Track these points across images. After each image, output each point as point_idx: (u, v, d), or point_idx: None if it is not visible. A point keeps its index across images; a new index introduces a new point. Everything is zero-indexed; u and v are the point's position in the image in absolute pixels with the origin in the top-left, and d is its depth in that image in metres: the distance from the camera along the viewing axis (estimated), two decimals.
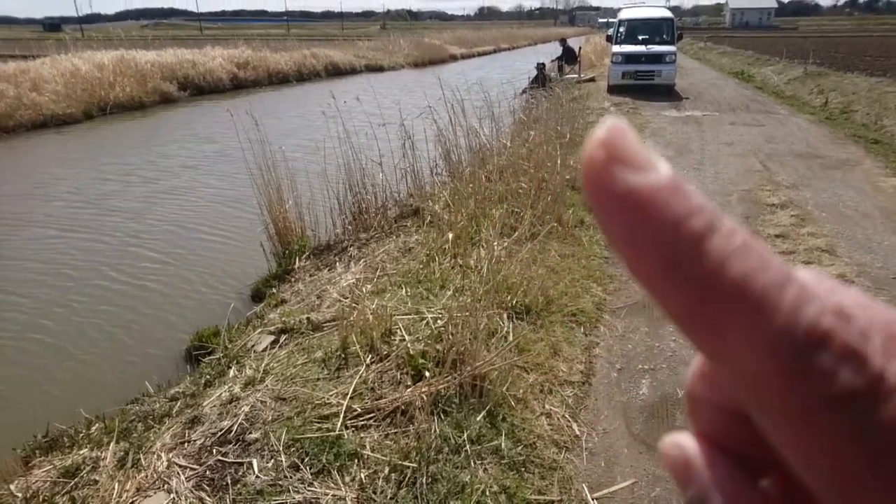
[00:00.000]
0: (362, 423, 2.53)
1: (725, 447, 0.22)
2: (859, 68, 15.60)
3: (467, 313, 3.07)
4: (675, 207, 0.19)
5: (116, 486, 2.50)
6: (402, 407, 2.53)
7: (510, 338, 3.05)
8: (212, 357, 3.71)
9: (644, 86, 13.88)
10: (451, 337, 2.92)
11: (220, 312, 4.98)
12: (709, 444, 0.23)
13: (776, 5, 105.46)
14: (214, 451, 2.57)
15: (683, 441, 0.23)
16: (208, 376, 3.42)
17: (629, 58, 14.05)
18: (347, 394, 2.65)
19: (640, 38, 14.52)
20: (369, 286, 4.08)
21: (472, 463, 2.32)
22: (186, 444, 2.70)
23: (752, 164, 7.47)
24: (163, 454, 2.64)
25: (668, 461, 0.23)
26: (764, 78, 18.09)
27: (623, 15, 15.69)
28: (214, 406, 2.95)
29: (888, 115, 10.12)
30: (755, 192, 6.22)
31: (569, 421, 2.72)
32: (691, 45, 38.20)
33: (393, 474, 2.24)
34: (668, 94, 13.87)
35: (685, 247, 0.19)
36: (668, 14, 15.45)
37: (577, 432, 2.66)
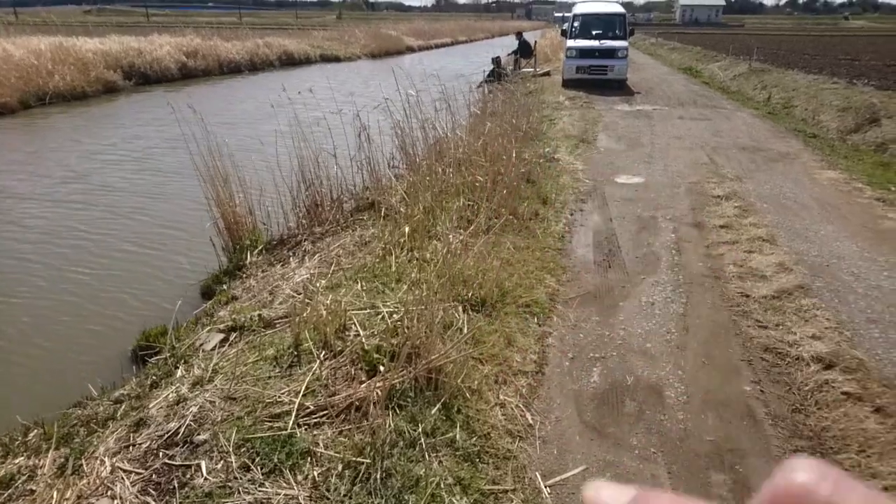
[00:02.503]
0: (315, 420, 2.49)
1: None
2: (799, 65, 16.30)
3: (423, 307, 3.06)
4: None
5: (55, 495, 2.38)
6: (357, 403, 2.51)
7: (465, 330, 3.05)
8: (158, 357, 3.59)
9: (597, 80, 14.13)
10: (406, 331, 2.91)
11: (169, 311, 4.80)
12: None
13: (724, 3, 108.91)
14: (161, 454, 2.49)
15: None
16: (154, 377, 3.31)
17: (583, 52, 14.27)
18: (300, 391, 2.61)
19: (594, 32, 14.77)
20: (324, 281, 4.01)
21: (427, 456, 2.32)
22: (131, 448, 2.60)
23: (699, 156, 7.71)
24: (106, 459, 2.54)
25: None
26: (711, 74, 18.69)
27: (577, 10, 15.90)
28: (161, 408, 2.86)
29: (824, 110, 10.62)
30: (702, 184, 6.43)
31: (522, 410, 2.75)
32: (643, 40, 39.10)
33: (347, 471, 2.22)
34: (620, 88, 14.17)
35: None
36: (621, 10, 15.75)
37: (531, 421, 2.70)
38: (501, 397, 2.80)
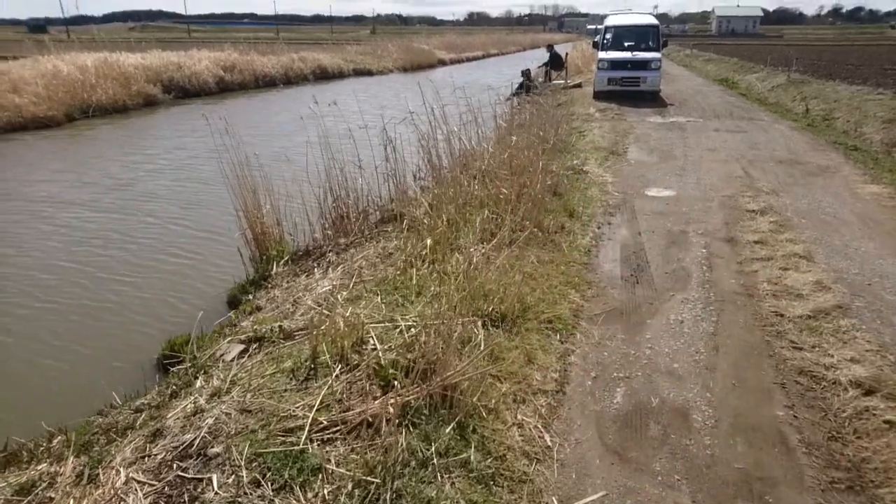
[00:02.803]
0: (328, 436, 2.46)
1: None
2: (841, 76, 15.79)
3: (440, 321, 3.01)
4: None
5: (71, 503, 2.41)
6: (370, 419, 2.47)
7: (483, 346, 2.98)
8: (180, 367, 3.62)
9: (629, 92, 13.95)
10: (423, 346, 2.86)
11: (197, 319, 4.87)
12: None
13: (761, 14, 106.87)
14: (175, 465, 2.49)
15: None
16: (175, 387, 3.34)
17: (615, 64, 14.13)
18: (314, 406, 2.58)
19: (626, 44, 14.61)
20: (345, 293, 4.00)
21: (440, 477, 2.26)
22: (147, 459, 2.61)
23: (733, 169, 7.49)
24: (121, 469, 2.55)
25: None
26: (748, 85, 18.26)
27: (609, 21, 15.77)
28: (178, 418, 2.87)
29: (867, 122, 10.23)
30: (736, 197, 6.23)
31: (541, 431, 2.66)
32: (678, 51, 38.57)
33: (356, 490, 2.17)
34: (653, 100, 13.95)
35: None
36: (654, 21, 15.55)
37: (549, 443, 2.61)
38: (519, 417, 2.72)
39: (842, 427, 2.67)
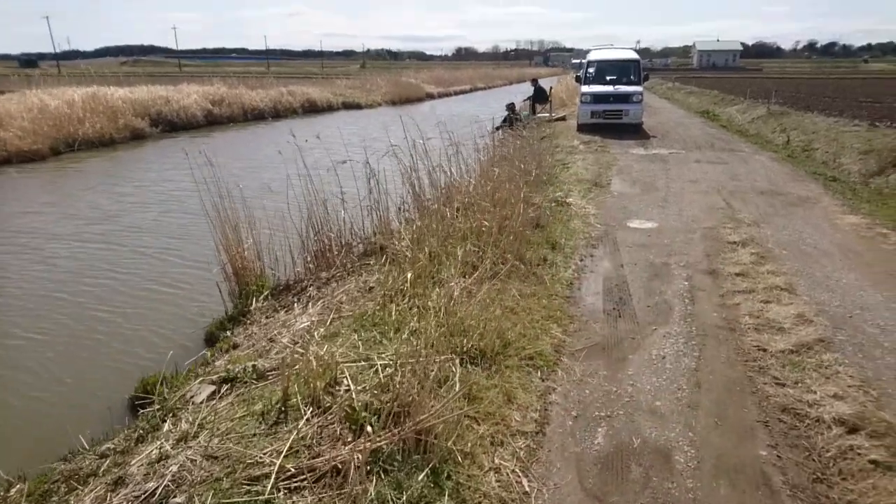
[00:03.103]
0: (296, 484, 2.35)
1: None
2: (818, 108, 16.18)
3: (415, 360, 2.94)
4: None
5: None
6: (339, 466, 2.37)
7: (458, 387, 2.91)
8: (148, 409, 3.50)
9: (612, 125, 14.17)
10: (398, 387, 2.78)
11: (172, 357, 4.75)
12: None
13: (741, 48, 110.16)
14: None
15: None
16: (142, 431, 3.21)
17: (597, 97, 14.38)
18: (282, 452, 2.48)
19: (608, 78, 14.91)
20: (322, 330, 3.92)
21: None
22: None
23: (715, 201, 7.56)
24: None
25: None
26: (729, 117, 18.65)
27: (592, 56, 16.13)
28: (142, 465, 2.74)
29: (845, 153, 10.43)
30: (717, 229, 6.26)
31: (519, 476, 2.57)
32: (660, 84, 39.45)
33: None
34: (635, 132, 14.17)
35: None
36: (635, 55, 15.92)
37: (527, 489, 2.51)
38: (497, 461, 2.63)
39: (826, 467, 2.60)
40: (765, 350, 3.63)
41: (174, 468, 2.59)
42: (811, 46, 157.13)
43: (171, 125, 20.12)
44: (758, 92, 20.98)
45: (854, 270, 5.03)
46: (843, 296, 4.49)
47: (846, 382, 3.20)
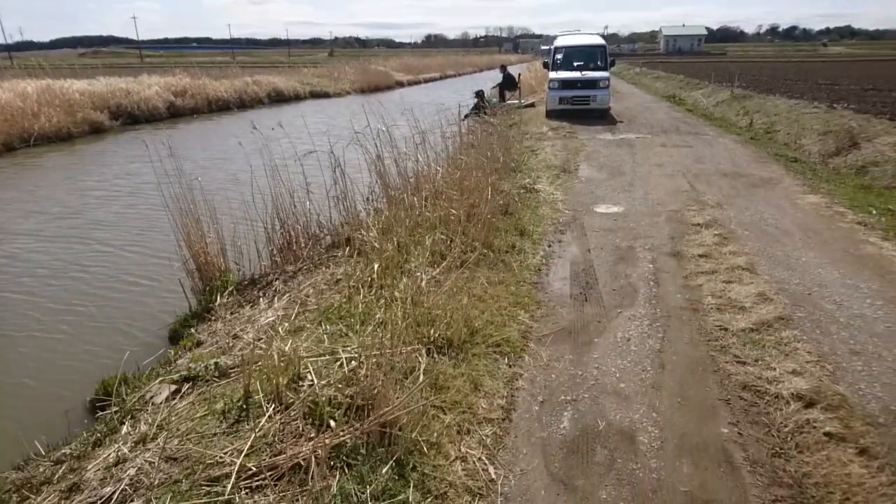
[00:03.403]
0: (257, 483, 2.30)
1: None
2: (780, 91, 16.53)
3: (380, 352, 2.91)
4: None
5: None
6: (301, 463, 2.33)
7: (422, 378, 2.88)
8: (106, 412, 3.39)
9: (580, 110, 14.24)
10: (363, 380, 2.74)
11: (133, 357, 4.61)
12: None
13: (706, 32, 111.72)
14: None
15: None
16: (99, 434, 3.11)
17: (565, 83, 14.42)
18: (243, 451, 2.42)
19: (576, 64, 14.95)
20: (286, 324, 3.85)
21: None
22: None
23: (680, 184, 7.66)
24: None
25: None
26: (694, 101, 18.91)
27: (559, 42, 16.14)
28: (99, 469, 2.66)
29: (806, 134, 10.67)
30: (682, 212, 6.35)
31: (485, 464, 2.57)
32: (628, 70, 39.82)
33: None
34: (603, 117, 14.27)
35: None
36: (601, 41, 15.99)
37: (494, 476, 2.51)
38: (463, 450, 2.62)
39: (784, 442, 2.66)
40: (726, 329, 3.70)
41: (132, 472, 2.52)
42: (773, 31, 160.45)
43: (133, 118, 19.51)
44: (722, 76, 21.31)
45: (813, 249, 5.16)
46: (803, 274, 4.59)
47: (804, 358, 3.28)
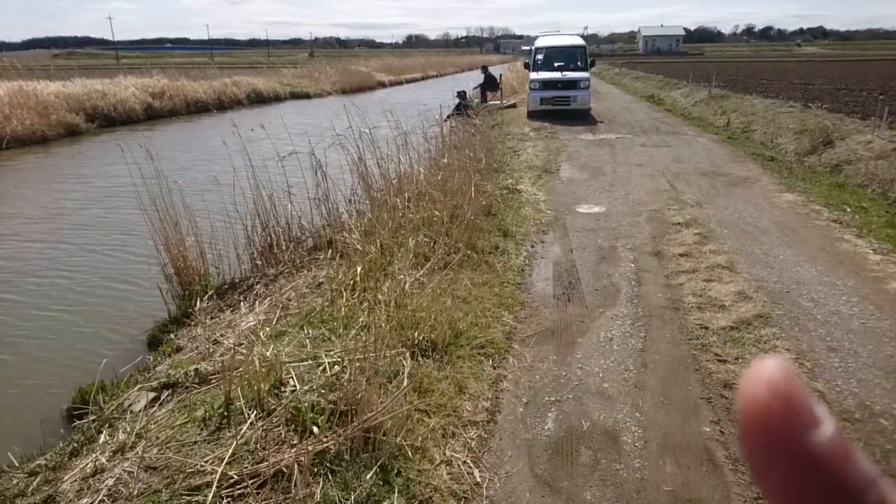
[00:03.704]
0: (239, 491, 2.27)
1: None
2: (756, 90, 16.80)
3: (363, 356, 2.88)
4: (853, 475, 0.20)
5: None
6: (285, 470, 2.30)
7: (405, 382, 2.87)
8: (83, 420, 3.32)
9: (561, 111, 14.31)
10: (346, 385, 2.72)
11: (111, 363, 4.52)
12: None
13: (683, 33, 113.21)
14: None
15: None
16: (76, 444, 3.04)
17: (546, 84, 14.48)
18: (224, 458, 2.38)
19: (556, 64, 15.02)
20: (268, 329, 3.81)
21: None
22: None
23: (660, 183, 7.74)
24: None
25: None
26: (673, 101, 19.13)
27: (539, 43, 16.21)
28: (75, 481, 2.60)
29: (782, 133, 10.86)
30: (662, 211, 6.41)
31: (470, 467, 2.56)
32: (608, 70, 40.17)
33: None
34: (584, 118, 14.36)
35: None
36: (581, 42, 16.09)
37: (479, 479, 2.51)
38: (448, 453, 2.61)
39: None
40: (707, 328, 3.74)
41: (110, 482, 2.46)
42: (749, 31, 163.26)
43: (109, 120, 19.14)
44: (700, 76, 21.59)
45: (791, 247, 5.24)
46: (781, 272, 4.67)
47: (783, 356, 3.32)
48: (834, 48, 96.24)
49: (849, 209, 6.29)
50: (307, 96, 29.59)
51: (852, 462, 0.20)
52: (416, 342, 3.44)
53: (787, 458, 0.20)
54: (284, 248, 5.85)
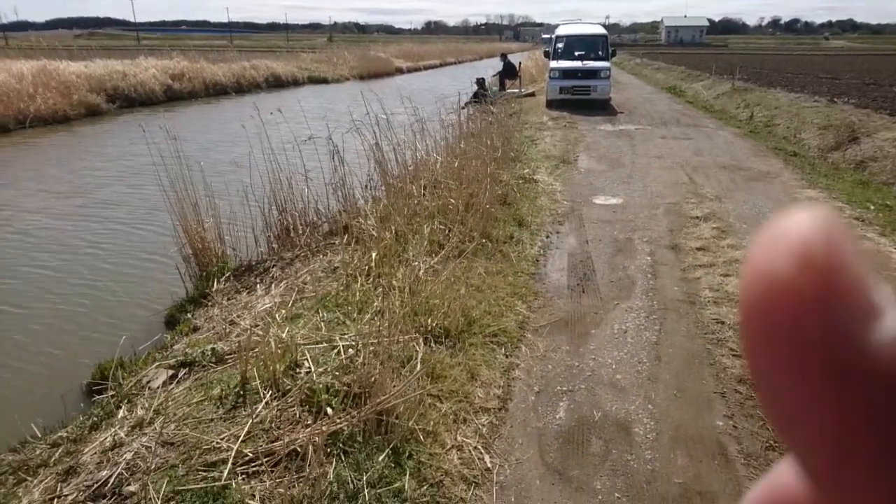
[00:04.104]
0: (254, 469, 2.31)
1: None
2: (781, 84, 16.47)
3: (377, 341, 2.91)
4: None
5: None
6: (299, 449, 2.33)
7: (419, 367, 2.89)
8: (102, 396, 3.39)
9: (581, 100, 14.16)
10: (360, 368, 2.75)
11: (129, 341, 4.61)
12: None
13: (707, 24, 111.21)
14: None
15: None
16: (96, 418, 3.12)
17: (566, 73, 14.33)
18: (240, 437, 2.43)
19: (577, 53, 14.85)
20: (283, 311, 3.85)
21: None
22: (56, 501, 2.41)
23: (679, 176, 7.65)
24: None
25: None
26: (695, 93, 18.84)
27: (560, 31, 16.02)
28: (95, 453, 2.67)
29: (805, 128, 10.65)
30: (680, 204, 6.34)
31: (481, 453, 2.58)
32: (628, 60, 39.63)
33: None
34: (603, 108, 14.20)
35: None
36: (602, 31, 15.87)
37: (489, 465, 2.53)
38: (459, 438, 2.63)
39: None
40: (723, 323, 3.71)
41: (128, 456, 2.52)
42: (775, 23, 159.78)
43: (129, 101, 19.32)
44: (723, 68, 21.21)
45: None
46: None
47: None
48: (864, 42, 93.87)
49: (872, 207, 6.18)
50: (325, 81, 29.58)
51: None
52: (430, 328, 3.46)
53: (823, 368, 0.13)
54: (301, 231, 5.89)
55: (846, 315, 0.13)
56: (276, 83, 26.70)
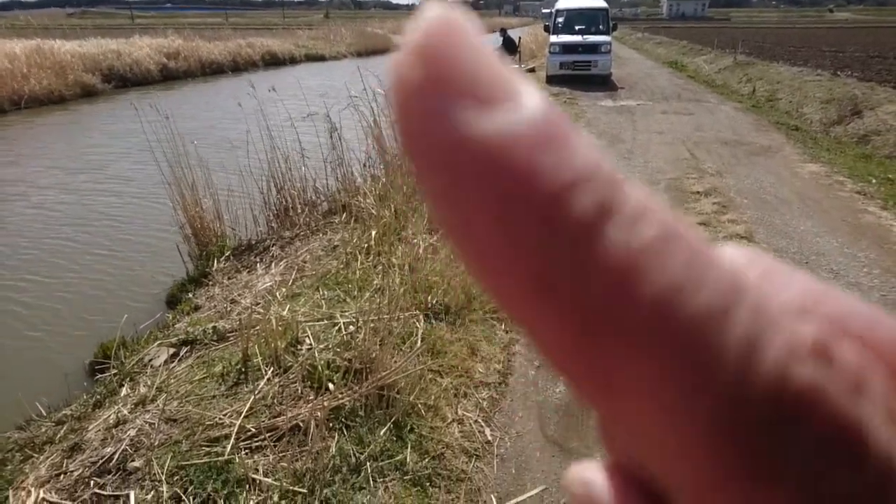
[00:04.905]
0: (257, 444, 2.34)
1: (643, 481, 0.14)
2: (783, 58, 16.26)
3: (377, 317, 2.92)
4: (549, 173, 0.12)
5: None
6: (301, 424, 2.36)
7: (419, 343, 2.90)
8: (105, 374, 3.42)
9: (581, 76, 13.99)
10: (361, 344, 2.76)
11: (131, 320, 4.62)
12: (623, 478, 0.15)
13: None
14: (92, 482, 2.33)
15: (590, 475, 0.16)
16: (99, 396, 3.14)
17: (566, 48, 14.14)
18: (242, 412, 2.45)
19: (577, 28, 14.63)
20: (284, 290, 3.86)
21: (372, 482, 2.17)
22: (62, 476, 2.44)
23: (680, 152, 7.60)
24: (33, 489, 2.38)
25: (574, 501, 0.16)
26: (696, 67, 18.62)
27: (560, 5, 15.76)
28: (99, 430, 2.69)
29: (808, 103, 10.55)
30: (681, 179, 6.31)
31: (481, 426, 2.61)
32: (630, 35, 39.10)
33: (283, 501, 2.06)
34: (604, 83, 14.05)
35: (563, 243, 0.11)
36: (603, 4, 15.62)
37: (490, 438, 2.55)
38: (460, 412, 2.66)
39: None
40: None
41: (132, 432, 2.55)
42: None
43: (125, 80, 19.13)
44: (725, 42, 20.93)
45: (811, 217, 5.15)
46: (801, 242, 4.60)
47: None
48: (868, 14, 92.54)
49: (874, 180, 6.14)
50: (322, 58, 29.25)
51: (553, 151, 0.12)
52: (430, 305, 3.47)
53: (444, 160, 0.12)
54: (300, 210, 5.87)
55: (469, 98, 0.12)
56: (273, 61, 26.40)
